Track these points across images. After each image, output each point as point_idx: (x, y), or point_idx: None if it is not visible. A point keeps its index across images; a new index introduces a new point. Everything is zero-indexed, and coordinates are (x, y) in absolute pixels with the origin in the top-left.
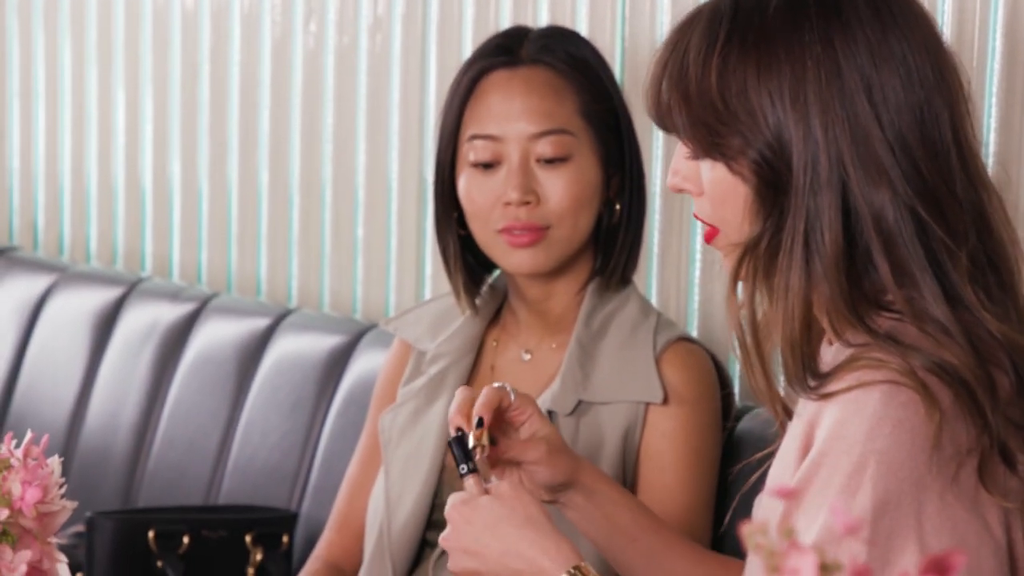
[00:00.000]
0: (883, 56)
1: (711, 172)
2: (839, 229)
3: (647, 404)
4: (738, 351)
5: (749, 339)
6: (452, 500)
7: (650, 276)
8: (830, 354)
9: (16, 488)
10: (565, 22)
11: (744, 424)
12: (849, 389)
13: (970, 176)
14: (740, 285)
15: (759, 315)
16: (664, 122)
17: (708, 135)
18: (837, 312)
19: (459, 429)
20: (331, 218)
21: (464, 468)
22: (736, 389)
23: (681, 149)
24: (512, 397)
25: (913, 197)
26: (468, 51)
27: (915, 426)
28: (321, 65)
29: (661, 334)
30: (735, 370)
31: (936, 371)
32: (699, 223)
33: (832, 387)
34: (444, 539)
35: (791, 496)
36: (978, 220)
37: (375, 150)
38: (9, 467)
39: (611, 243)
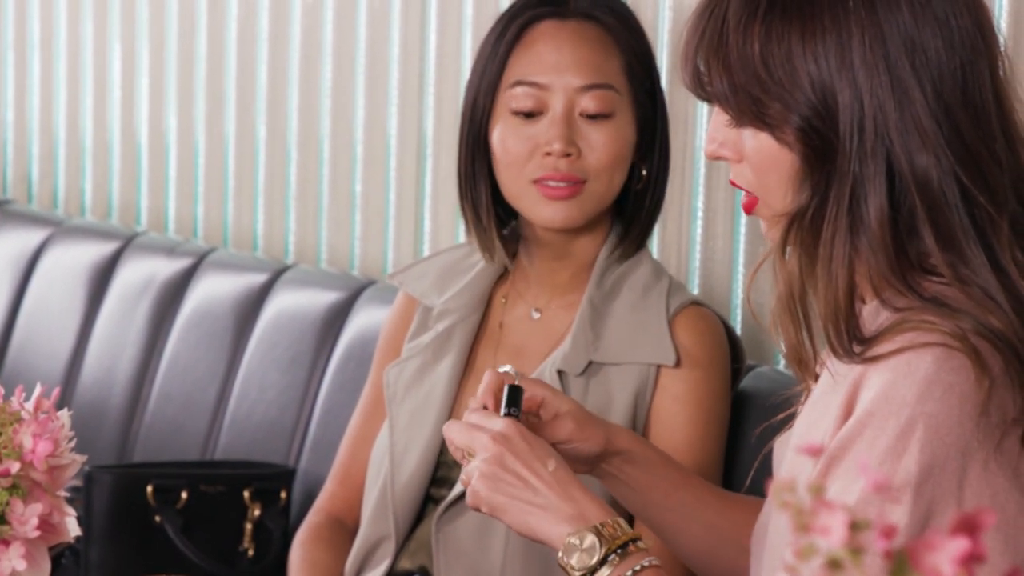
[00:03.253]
0: (926, 18)
1: (754, 140)
2: (884, 196)
3: (659, 366)
4: (779, 314)
5: (797, 304)
6: (492, 427)
7: (652, 235)
8: (867, 313)
9: (27, 441)
10: None
11: (747, 382)
12: (900, 351)
13: (1009, 137)
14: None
15: (799, 280)
16: (702, 90)
17: (751, 103)
18: (882, 279)
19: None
20: (329, 173)
21: (511, 411)
22: None
23: (719, 116)
24: (516, 382)
25: (955, 164)
26: (469, 6)
27: (965, 391)
28: (320, 18)
29: (674, 297)
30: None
31: (987, 336)
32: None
33: (879, 350)
34: (483, 462)
35: (818, 453)
36: (1017, 182)
37: (374, 104)
38: (20, 420)
39: (636, 206)
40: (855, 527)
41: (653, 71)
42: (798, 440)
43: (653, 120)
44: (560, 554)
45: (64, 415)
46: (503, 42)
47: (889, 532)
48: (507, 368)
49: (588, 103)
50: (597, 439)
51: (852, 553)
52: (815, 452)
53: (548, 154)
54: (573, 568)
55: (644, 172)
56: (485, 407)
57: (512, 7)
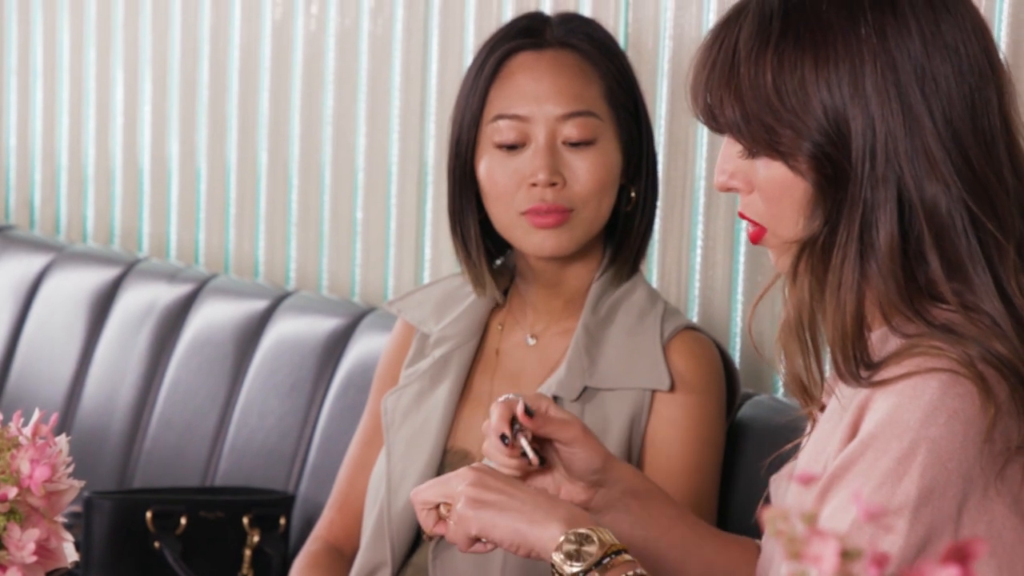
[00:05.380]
0: (936, 46)
1: (767, 170)
2: (895, 223)
3: (653, 391)
4: (786, 340)
5: (806, 330)
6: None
7: (651, 262)
8: (876, 339)
9: (25, 466)
10: (569, 8)
11: (745, 410)
12: (907, 376)
13: (1015, 162)
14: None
15: (809, 306)
16: (714, 121)
17: (764, 132)
18: (892, 306)
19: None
20: (330, 200)
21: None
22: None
23: (730, 147)
24: (521, 404)
25: (963, 191)
26: (470, 34)
27: (969, 418)
28: (322, 46)
29: (668, 322)
30: (737, 358)
31: (994, 363)
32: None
33: (886, 374)
34: (467, 487)
35: (814, 482)
36: (1022, 207)
37: (375, 132)
38: (18, 445)
39: (626, 230)
40: (846, 555)
41: (635, 93)
42: (802, 467)
43: (639, 142)
44: (553, 554)
45: (62, 440)
46: (482, 76)
47: (881, 560)
48: (509, 396)
49: (570, 131)
50: (599, 451)
51: None
52: (808, 481)
53: (534, 185)
54: (566, 569)
55: (632, 195)
56: (503, 436)
57: (490, 40)
